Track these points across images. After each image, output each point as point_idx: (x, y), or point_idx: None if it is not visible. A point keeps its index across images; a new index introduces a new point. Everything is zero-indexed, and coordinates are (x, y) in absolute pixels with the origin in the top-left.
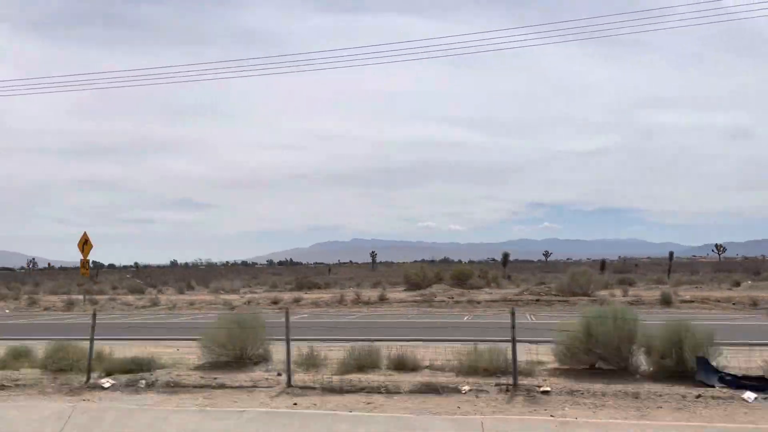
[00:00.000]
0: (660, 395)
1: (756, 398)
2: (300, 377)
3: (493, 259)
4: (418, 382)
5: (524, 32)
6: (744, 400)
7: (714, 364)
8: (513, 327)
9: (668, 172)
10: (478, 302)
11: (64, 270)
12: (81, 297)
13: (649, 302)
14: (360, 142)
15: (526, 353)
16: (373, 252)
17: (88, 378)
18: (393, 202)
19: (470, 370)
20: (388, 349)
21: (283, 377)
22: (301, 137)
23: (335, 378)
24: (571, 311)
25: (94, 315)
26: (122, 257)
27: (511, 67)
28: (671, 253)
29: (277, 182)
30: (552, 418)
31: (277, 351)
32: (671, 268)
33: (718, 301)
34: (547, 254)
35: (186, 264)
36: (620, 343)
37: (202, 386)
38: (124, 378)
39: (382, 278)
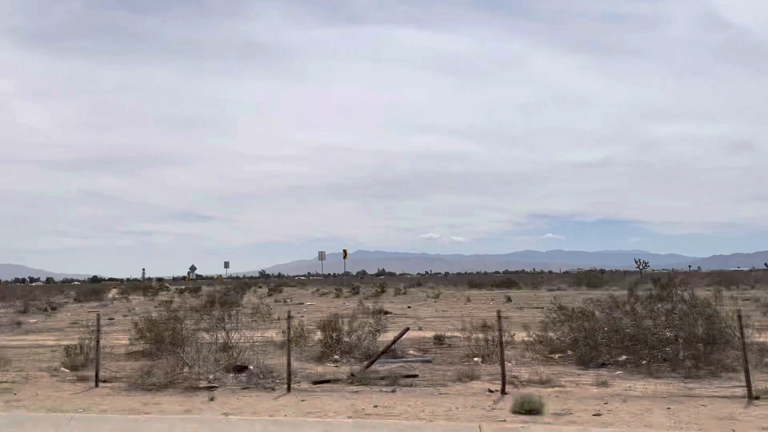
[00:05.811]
0: None
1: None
2: None
3: (496, 271)
4: None
5: (527, 44)
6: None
7: None
8: None
9: (671, 184)
10: None
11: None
12: None
13: None
14: (362, 153)
15: None
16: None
17: None
18: (395, 213)
19: None
20: None
21: None
22: (302, 149)
23: None
24: None
25: None
26: (123, 269)
27: (514, 78)
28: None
29: (279, 194)
30: None
31: None
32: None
33: None
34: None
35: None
36: None
37: None
38: None
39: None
